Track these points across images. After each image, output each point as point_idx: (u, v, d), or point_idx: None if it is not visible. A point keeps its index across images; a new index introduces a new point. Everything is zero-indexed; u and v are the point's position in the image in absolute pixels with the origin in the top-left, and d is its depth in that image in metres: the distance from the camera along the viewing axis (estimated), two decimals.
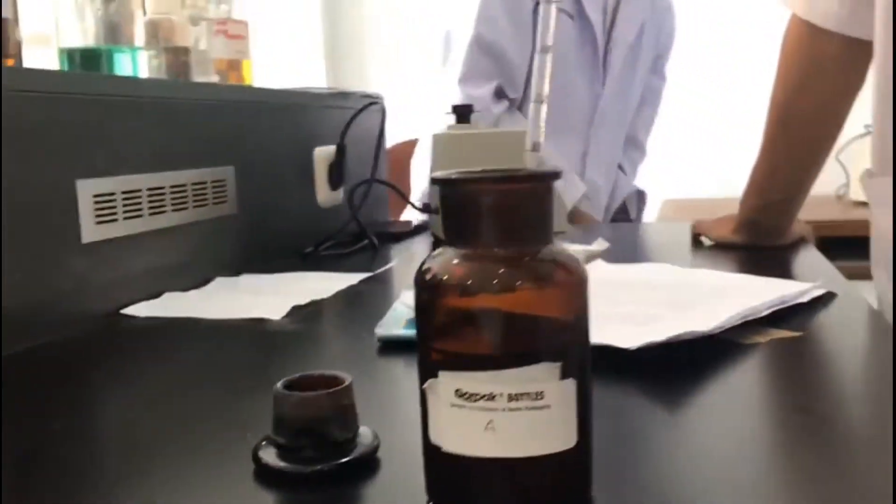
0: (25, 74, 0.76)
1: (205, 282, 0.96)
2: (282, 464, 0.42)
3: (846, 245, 1.35)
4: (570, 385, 0.36)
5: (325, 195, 1.29)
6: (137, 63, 0.98)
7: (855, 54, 0.95)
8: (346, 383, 0.44)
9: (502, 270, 0.37)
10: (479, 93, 1.55)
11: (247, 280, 0.99)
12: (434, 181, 0.38)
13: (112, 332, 0.79)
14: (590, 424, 0.37)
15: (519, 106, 1.60)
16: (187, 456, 0.48)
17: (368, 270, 1.01)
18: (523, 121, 1.56)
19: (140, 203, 0.87)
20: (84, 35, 0.96)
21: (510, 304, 0.36)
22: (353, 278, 0.96)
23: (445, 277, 0.37)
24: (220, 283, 0.97)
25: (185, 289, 0.92)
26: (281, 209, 1.18)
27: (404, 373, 0.62)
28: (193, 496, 0.42)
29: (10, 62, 0.81)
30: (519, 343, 0.36)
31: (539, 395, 0.35)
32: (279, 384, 0.44)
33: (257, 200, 1.10)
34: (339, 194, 1.32)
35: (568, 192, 1.59)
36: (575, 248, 1.02)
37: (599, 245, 1.04)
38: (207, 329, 0.78)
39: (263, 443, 0.44)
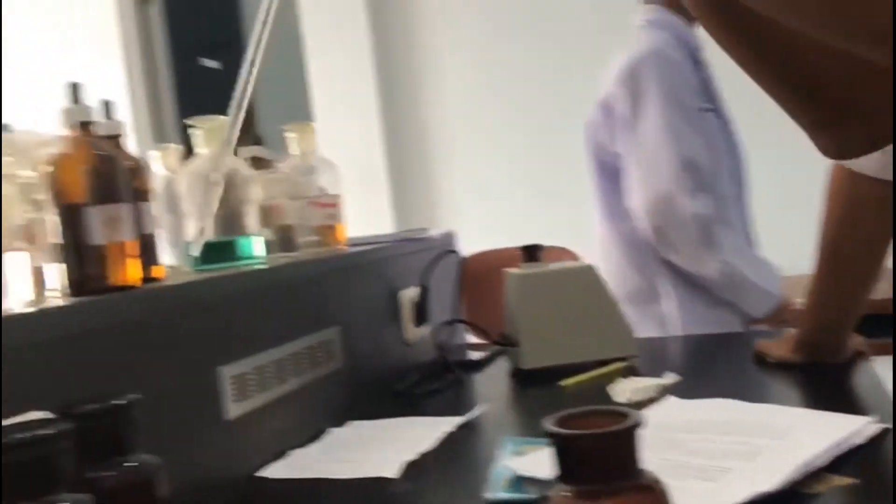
0: (173, 287, 0.92)
1: (318, 433, 1.09)
2: None
3: None
4: None
5: (412, 332, 1.43)
6: (256, 248, 1.14)
7: None
8: None
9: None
10: (706, 211, 1.61)
11: (356, 429, 1.12)
12: (546, 433, 0.51)
13: (249, 497, 0.92)
14: None
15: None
16: None
17: (458, 411, 1.13)
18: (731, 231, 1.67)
19: (268, 376, 1.02)
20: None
21: None
22: (447, 423, 1.08)
23: None
24: (333, 435, 1.10)
25: (304, 444, 1.05)
26: (376, 353, 1.31)
27: None
28: None
29: (160, 272, 0.97)
30: None
31: None
32: None
33: (357, 350, 1.24)
34: (425, 330, 1.45)
35: (770, 282, 1.67)
36: (646, 383, 1.13)
37: (669, 378, 1.14)
38: (331, 489, 0.91)
39: None
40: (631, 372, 1.26)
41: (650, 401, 1.07)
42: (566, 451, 0.51)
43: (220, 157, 1.07)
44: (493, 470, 0.85)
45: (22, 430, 0.60)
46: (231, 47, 3.39)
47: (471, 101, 3.17)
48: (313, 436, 1.08)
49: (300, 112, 3.25)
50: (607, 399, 1.11)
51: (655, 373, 1.19)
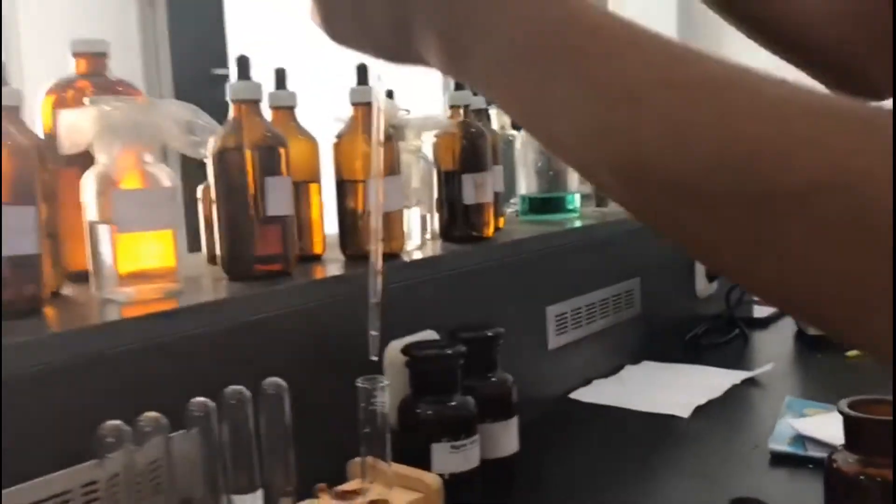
0: (513, 242, 1.13)
1: (618, 368, 1.28)
2: None
3: None
4: None
5: (703, 286, 1.56)
6: (575, 202, 1.33)
7: None
8: None
9: None
10: None
11: (649, 369, 1.29)
12: (840, 412, 0.64)
13: (563, 413, 1.13)
14: None
15: None
16: None
17: (742, 366, 1.26)
18: None
19: (581, 316, 1.22)
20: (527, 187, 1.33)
21: None
22: (734, 375, 1.22)
23: None
24: (630, 371, 1.28)
25: (605, 375, 1.25)
26: (669, 303, 1.46)
27: (790, 487, 0.87)
28: None
29: (501, 223, 1.19)
30: None
31: None
32: None
33: (653, 299, 1.40)
34: (715, 285, 1.57)
35: None
36: None
37: None
38: (630, 417, 1.09)
39: None
40: None
41: None
42: (856, 428, 0.64)
43: None
44: (777, 425, 0.99)
45: (432, 348, 0.85)
46: None
47: None
48: (614, 369, 1.27)
49: None
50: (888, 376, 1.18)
51: None
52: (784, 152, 0.27)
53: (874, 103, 0.30)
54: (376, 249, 0.62)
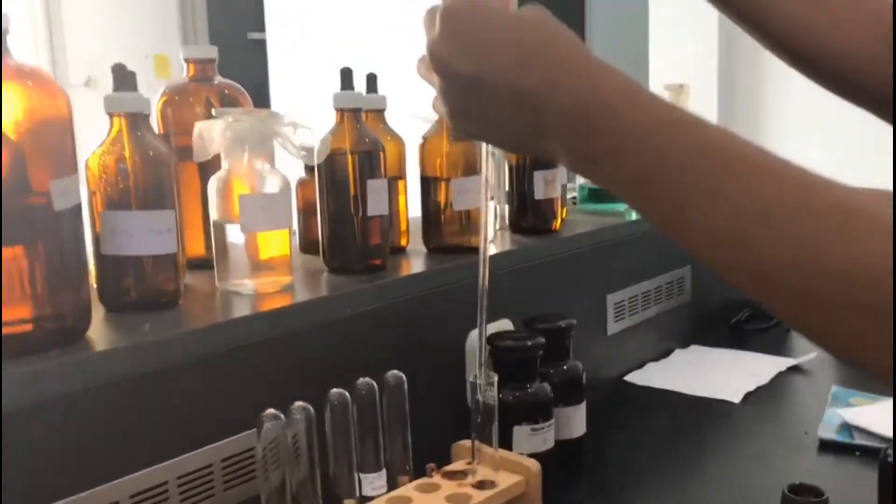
0: (575, 237, 1.20)
1: (668, 352, 1.36)
2: None
3: None
4: None
5: None
6: None
7: None
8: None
9: None
10: None
11: (698, 353, 1.37)
12: None
13: (620, 395, 1.21)
14: None
15: None
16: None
17: (785, 352, 1.33)
18: None
19: (637, 303, 1.29)
20: None
21: None
22: (780, 362, 1.29)
23: None
24: (679, 355, 1.36)
25: (657, 358, 1.32)
26: (717, 290, 1.53)
27: (839, 474, 0.94)
28: None
29: (565, 213, 1.26)
30: None
31: None
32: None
33: (702, 287, 1.47)
34: None
35: None
36: None
37: None
38: (682, 401, 1.17)
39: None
40: None
41: None
42: None
43: None
44: (825, 414, 1.06)
45: (513, 339, 0.92)
46: None
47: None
48: (664, 353, 1.35)
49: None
50: None
51: None
52: None
53: None
54: (485, 250, 0.69)
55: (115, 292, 0.74)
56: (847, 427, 1.02)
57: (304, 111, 0.84)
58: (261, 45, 3.85)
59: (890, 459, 0.74)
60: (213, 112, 0.81)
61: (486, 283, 0.68)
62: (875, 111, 0.74)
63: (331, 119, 0.90)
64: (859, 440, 0.98)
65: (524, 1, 0.51)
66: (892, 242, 0.35)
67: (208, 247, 0.88)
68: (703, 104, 3.14)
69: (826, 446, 1.00)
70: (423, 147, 1.01)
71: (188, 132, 0.82)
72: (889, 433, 0.95)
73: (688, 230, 0.41)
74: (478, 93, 0.46)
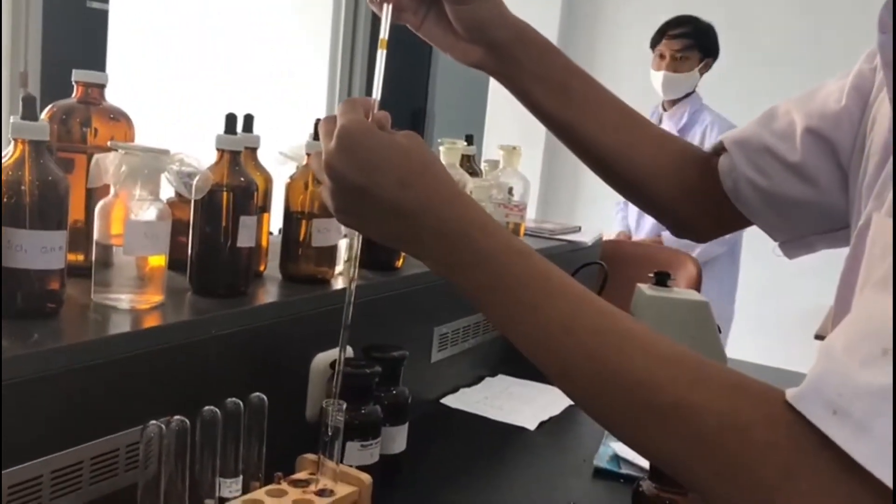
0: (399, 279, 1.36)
1: (479, 379, 1.54)
2: None
3: None
4: None
5: None
6: None
7: None
8: None
9: None
10: None
11: (504, 382, 1.56)
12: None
13: (437, 416, 1.38)
14: None
15: None
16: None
17: None
18: None
19: (458, 335, 1.47)
20: None
21: None
22: None
23: None
24: (488, 382, 1.55)
25: (469, 385, 1.51)
26: None
27: (607, 498, 1.15)
28: None
29: None
30: None
31: None
32: None
33: None
34: None
35: None
36: None
37: None
38: (486, 425, 1.36)
39: None
40: None
41: None
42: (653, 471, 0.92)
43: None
44: (601, 445, 1.28)
45: (353, 366, 1.06)
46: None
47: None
48: (476, 380, 1.54)
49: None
50: None
51: None
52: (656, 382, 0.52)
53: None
54: (351, 288, 0.82)
55: (7, 300, 0.81)
56: (616, 458, 1.24)
57: (191, 151, 0.95)
58: (102, 15, 3.77)
59: (641, 489, 0.94)
60: (110, 143, 0.89)
61: (349, 320, 0.82)
62: (660, 218, 0.95)
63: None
64: (625, 470, 1.20)
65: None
66: (649, 357, 0.52)
67: (86, 255, 0.96)
68: (531, 161, 3.46)
69: (599, 473, 1.21)
70: (289, 186, 1.13)
71: (71, 149, 0.92)
72: (647, 464, 1.17)
73: (515, 331, 0.57)
74: (363, 200, 0.60)
